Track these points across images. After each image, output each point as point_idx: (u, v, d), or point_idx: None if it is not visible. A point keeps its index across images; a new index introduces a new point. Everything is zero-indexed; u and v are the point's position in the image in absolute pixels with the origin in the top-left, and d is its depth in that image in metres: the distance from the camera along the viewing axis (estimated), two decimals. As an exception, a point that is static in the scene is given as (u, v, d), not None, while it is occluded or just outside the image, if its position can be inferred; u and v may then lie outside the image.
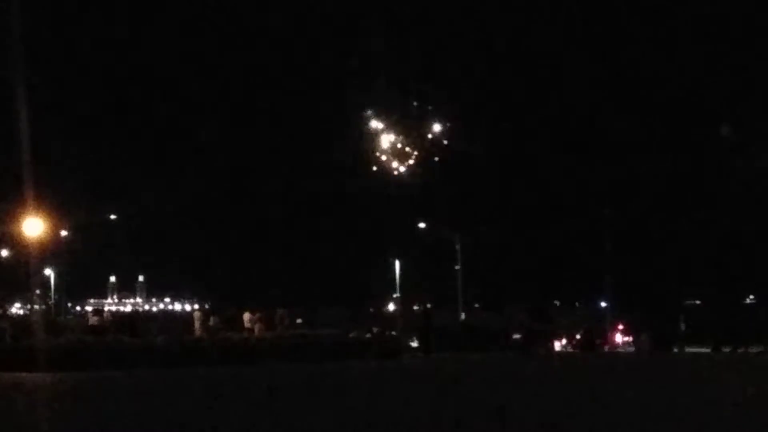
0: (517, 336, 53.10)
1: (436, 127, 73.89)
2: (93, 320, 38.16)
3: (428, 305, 65.67)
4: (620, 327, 63.18)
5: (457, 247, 68.16)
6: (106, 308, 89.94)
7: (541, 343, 53.61)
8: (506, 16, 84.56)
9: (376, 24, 75.59)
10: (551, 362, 37.07)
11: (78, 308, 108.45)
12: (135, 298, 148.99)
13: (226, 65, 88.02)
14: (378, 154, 69.41)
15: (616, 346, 57.60)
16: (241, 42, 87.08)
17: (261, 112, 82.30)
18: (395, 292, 74.41)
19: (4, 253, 71.21)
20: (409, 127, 72.86)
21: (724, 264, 77.70)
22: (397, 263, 72.17)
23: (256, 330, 37.45)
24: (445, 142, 75.55)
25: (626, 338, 62.06)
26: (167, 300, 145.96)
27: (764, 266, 71.01)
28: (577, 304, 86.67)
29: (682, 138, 79.29)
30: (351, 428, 13.03)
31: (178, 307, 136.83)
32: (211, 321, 38.76)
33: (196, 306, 78.82)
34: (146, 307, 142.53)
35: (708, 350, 51.75)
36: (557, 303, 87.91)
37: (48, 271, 75.73)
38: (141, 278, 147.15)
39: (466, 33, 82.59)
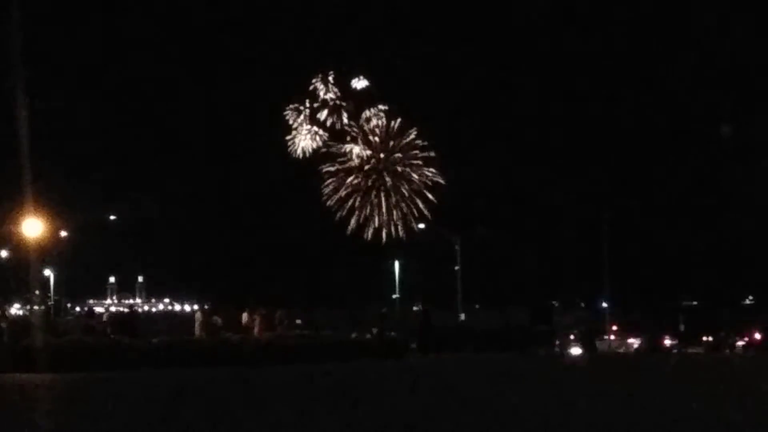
0: (517, 336, 53.01)
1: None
2: (87, 321, 38.17)
3: (427, 306, 65.50)
4: (614, 327, 63.23)
5: (457, 247, 68.12)
6: (100, 309, 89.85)
7: (542, 344, 53.56)
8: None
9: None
10: (550, 362, 37.09)
11: (78, 309, 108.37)
12: (135, 298, 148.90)
13: (224, 65, 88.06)
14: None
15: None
16: (235, 44, 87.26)
17: (260, 112, 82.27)
18: (395, 292, 74.39)
19: (4, 253, 71.11)
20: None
21: (723, 265, 77.73)
22: (397, 264, 72.15)
23: (256, 330, 37.40)
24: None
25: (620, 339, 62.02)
26: (167, 300, 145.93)
27: (763, 267, 71.03)
28: (582, 304, 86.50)
29: (682, 139, 79.30)
30: (351, 428, 13.05)
31: (177, 307, 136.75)
32: (213, 322, 38.66)
33: (196, 306, 78.72)
34: (146, 307, 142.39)
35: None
36: (556, 303, 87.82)
37: (48, 272, 75.58)
38: (140, 279, 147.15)
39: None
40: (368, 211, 78.44)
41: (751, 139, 71.57)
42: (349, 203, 78.00)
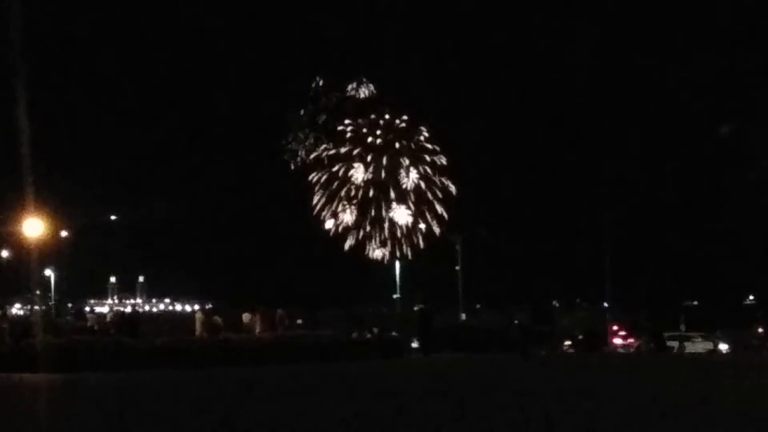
0: (517, 337, 52.93)
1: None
2: (77, 322, 38.28)
3: (428, 306, 65.48)
4: (615, 328, 63.19)
5: (457, 247, 68.10)
6: (101, 309, 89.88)
7: (543, 344, 53.48)
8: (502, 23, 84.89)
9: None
10: (551, 363, 37.05)
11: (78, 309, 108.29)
12: (135, 298, 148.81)
13: (225, 67, 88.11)
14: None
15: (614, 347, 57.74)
16: (234, 46, 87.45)
17: (260, 113, 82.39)
18: (395, 292, 74.35)
19: (5, 253, 71.13)
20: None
21: (723, 265, 77.70)
22: (397, 263, 72.13)
23: (256, 330, 37.43)
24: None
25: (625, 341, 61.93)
26: (167, 300, 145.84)
27: (763, 267, 71.02)
28: (584, 304, 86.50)
29: (682, 139, 79.32)
30: (351, 428, 13.05)
31: (178, 307, 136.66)
32: (213, 321, 38.64)
33: (197, 306, 78.69)
34: (146, 307, 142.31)
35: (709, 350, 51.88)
36: (556, 303, 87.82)
37: (48, 272, 75.62)
38: (141, 279, 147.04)
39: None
40: (368, 228, 76.98)
41: (751, 138, 71.61)
42: (346, 219, 76.63)
